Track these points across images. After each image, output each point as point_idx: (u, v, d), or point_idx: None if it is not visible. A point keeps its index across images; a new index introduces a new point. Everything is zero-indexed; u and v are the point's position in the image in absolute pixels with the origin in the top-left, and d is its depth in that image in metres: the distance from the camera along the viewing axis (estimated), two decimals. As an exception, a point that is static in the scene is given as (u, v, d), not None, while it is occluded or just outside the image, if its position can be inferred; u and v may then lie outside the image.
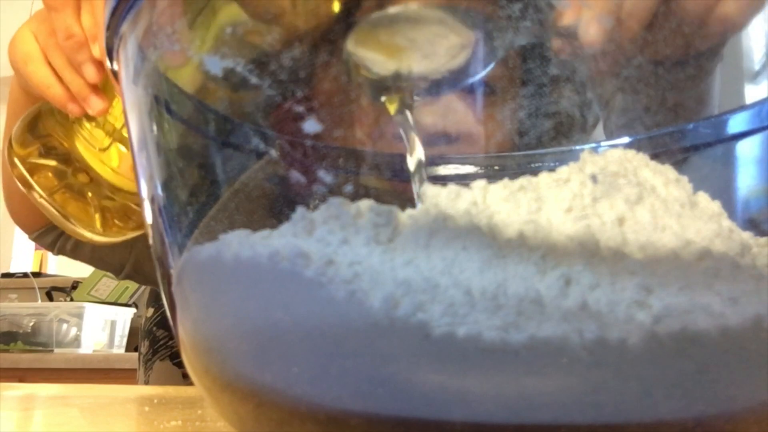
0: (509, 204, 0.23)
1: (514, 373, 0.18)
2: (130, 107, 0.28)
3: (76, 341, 2.18)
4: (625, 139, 0.31)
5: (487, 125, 0.29)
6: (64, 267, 2.94)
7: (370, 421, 0.19)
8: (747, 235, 0.24)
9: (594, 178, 0.23)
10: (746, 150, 0.31)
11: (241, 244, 0.21)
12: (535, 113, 0.30)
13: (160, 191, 0.27)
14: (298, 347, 0.20)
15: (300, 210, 0.22)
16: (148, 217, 0.27)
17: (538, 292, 0.19)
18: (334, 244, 0.21)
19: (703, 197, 0.25)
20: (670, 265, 0.21)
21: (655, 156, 0.26)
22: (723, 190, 0.28)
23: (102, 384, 0.65)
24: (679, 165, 0.27)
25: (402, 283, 0.19)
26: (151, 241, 0.27)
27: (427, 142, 0.31)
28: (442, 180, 0.29)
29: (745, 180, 0.30)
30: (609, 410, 0.18)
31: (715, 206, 0.25)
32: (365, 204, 0.23)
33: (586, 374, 0.18)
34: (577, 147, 0.32)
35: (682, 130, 0.31)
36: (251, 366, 0.21)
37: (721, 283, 0.20)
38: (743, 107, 0.31)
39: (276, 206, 0.28)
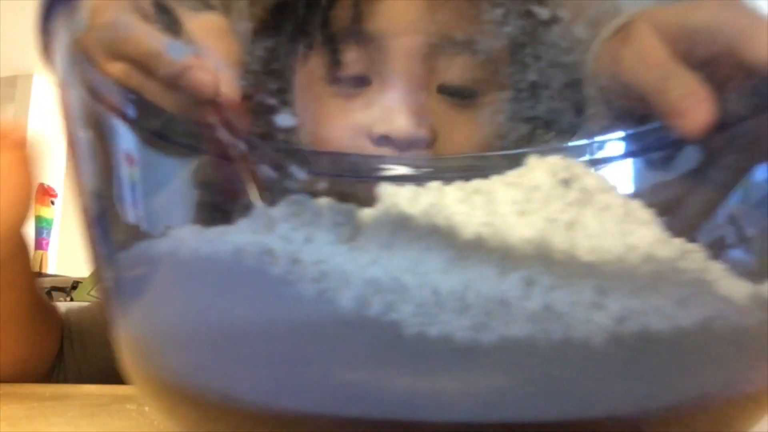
0: (466, 205, 0.23)
1: (486, 372, 0.18)
2: (63, 110, 0.26)
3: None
4: (609, 135, 0.32)
5: (468, 127, 0.30)
6: (64, 267, 2.82)
7: (341, 423, 0.18)
8: (678, 241, 0.25)
9: (549, 183, 0.24)
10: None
11: (198, 239, 0.20)
12: (515, 117, 0.30)
13: (95, 190, 0.25)
14: (266, 347, 0.19)
15: (259, 206, 0.21)
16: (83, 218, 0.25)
17: (502, 293, 0.20)
18: (297, 242, 0.20)
19: (636, 205, 0.26)
20: (618, 269, 0.22)
21: (641, 152, 0.26)
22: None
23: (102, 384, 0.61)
24: (666, 162, 0.28)
25: (370, 283, 0.19)
26: (85, 234, 0.26)
27: (409, 144, 0.31)
28: (401, 180, 0.29)
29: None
30: (577, 407, 0.18)
31: (647, 214, 0.26)
32: (324, 202, 0.22)
33: (554, 373, 0.18)
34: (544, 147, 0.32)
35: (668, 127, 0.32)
36: (212, 368, 0.20)
37: (667, 286, 0.21)
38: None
39: (221, 204, 0.27)
